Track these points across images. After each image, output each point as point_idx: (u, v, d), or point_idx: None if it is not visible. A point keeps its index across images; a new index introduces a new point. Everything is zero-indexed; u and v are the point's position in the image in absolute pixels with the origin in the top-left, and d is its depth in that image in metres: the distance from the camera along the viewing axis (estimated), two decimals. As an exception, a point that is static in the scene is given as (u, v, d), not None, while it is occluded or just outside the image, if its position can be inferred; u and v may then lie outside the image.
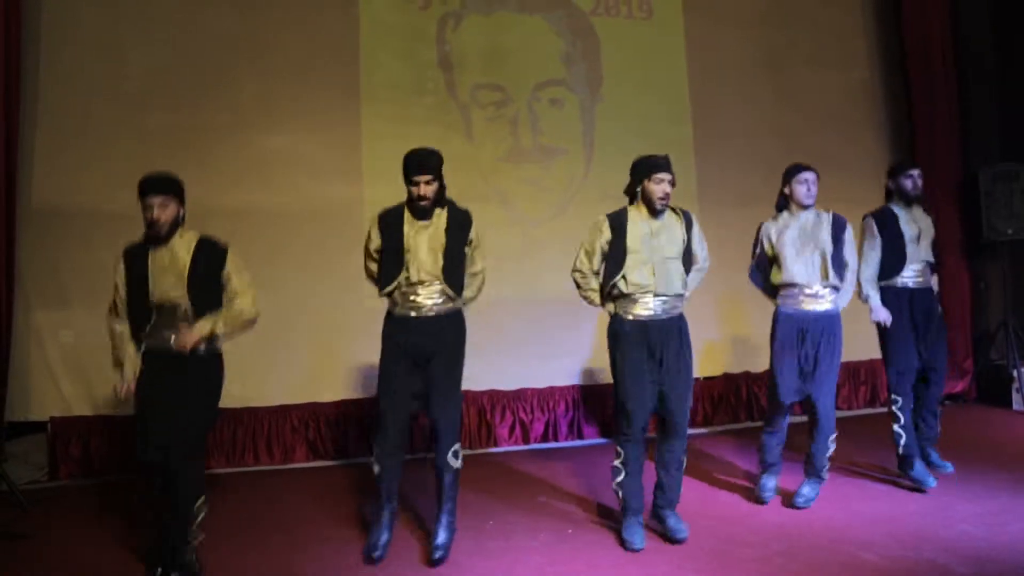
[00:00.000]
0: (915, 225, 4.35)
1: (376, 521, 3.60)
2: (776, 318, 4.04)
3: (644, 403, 3.54)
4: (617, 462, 3.64)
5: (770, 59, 6.93)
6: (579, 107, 6.45)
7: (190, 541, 3.31)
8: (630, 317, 3.59)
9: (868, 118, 7.22)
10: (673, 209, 3.71)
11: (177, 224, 3.35)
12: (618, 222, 3.64)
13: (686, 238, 3.67)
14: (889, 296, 4.29)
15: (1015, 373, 6.46)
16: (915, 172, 4.39)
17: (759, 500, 4.13)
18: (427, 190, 3.48)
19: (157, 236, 3.29)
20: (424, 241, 3.52)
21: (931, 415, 4.35)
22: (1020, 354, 6.49)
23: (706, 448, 5.54)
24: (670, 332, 3.58)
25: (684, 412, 3.62)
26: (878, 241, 4.32)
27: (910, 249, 4.29)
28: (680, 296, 3.65)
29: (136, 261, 3.33)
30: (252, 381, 5.46)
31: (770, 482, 4.18)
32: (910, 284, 4.32)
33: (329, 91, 5.88)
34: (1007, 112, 7.05)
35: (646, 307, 3.57)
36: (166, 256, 3.31)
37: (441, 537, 3.52)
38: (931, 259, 4.39)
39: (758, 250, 4.18)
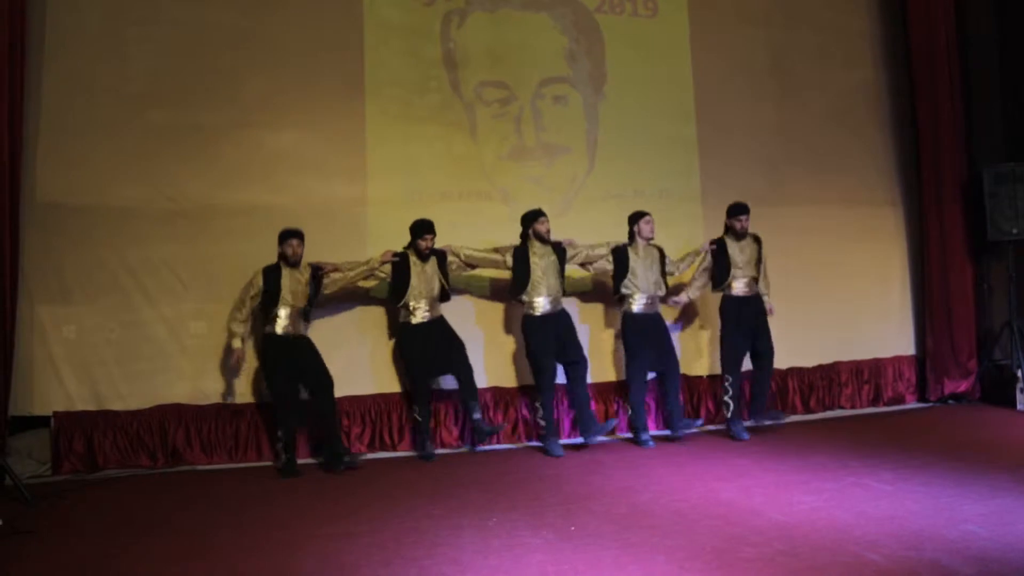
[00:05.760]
0: (741, 253, 5.88)
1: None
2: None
3: (554, 362, 5.55)
4: (538, 404, 5.59)
5: (774, 58, 6.90)
6: (583, 105, 6.43)
7: (340, 437, 5.35)
8: (536, 313, 5.53)
9: (872, 117, 7.18)
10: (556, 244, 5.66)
11: (302, 256, 5.25)
12: (521, 252, 5.56)
13: (558, 263, 5.61)
14: (729, 303, 5.89)
15: (1019, 373, 6.44)
16: (743, 216, 5.86)
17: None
18: (432, 244, 5.47)
19: (296, 263, 5.19)
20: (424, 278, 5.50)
21: (764, 384, 5.92)
22: (1024, 354, 6.47)
23: (707, 446, 5.53)
24: (561, 317, 5.62)
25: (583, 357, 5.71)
26: (711, 264, 5.92)
27: (735, 270, 5.85)
28: (561, 295, 5.64)
29: (271, 276, 5.15)
30: (258, 377, 5.49)
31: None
32: (740, 294, 5.87)
33: (333, 89, 5.88)
34: (1012, 111, 7.01)
35: (542, 305, 5.52)
36: (295, 275, 5.22)
37: (478, 413, 5.57)
38: (756, 274, 5.91)
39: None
